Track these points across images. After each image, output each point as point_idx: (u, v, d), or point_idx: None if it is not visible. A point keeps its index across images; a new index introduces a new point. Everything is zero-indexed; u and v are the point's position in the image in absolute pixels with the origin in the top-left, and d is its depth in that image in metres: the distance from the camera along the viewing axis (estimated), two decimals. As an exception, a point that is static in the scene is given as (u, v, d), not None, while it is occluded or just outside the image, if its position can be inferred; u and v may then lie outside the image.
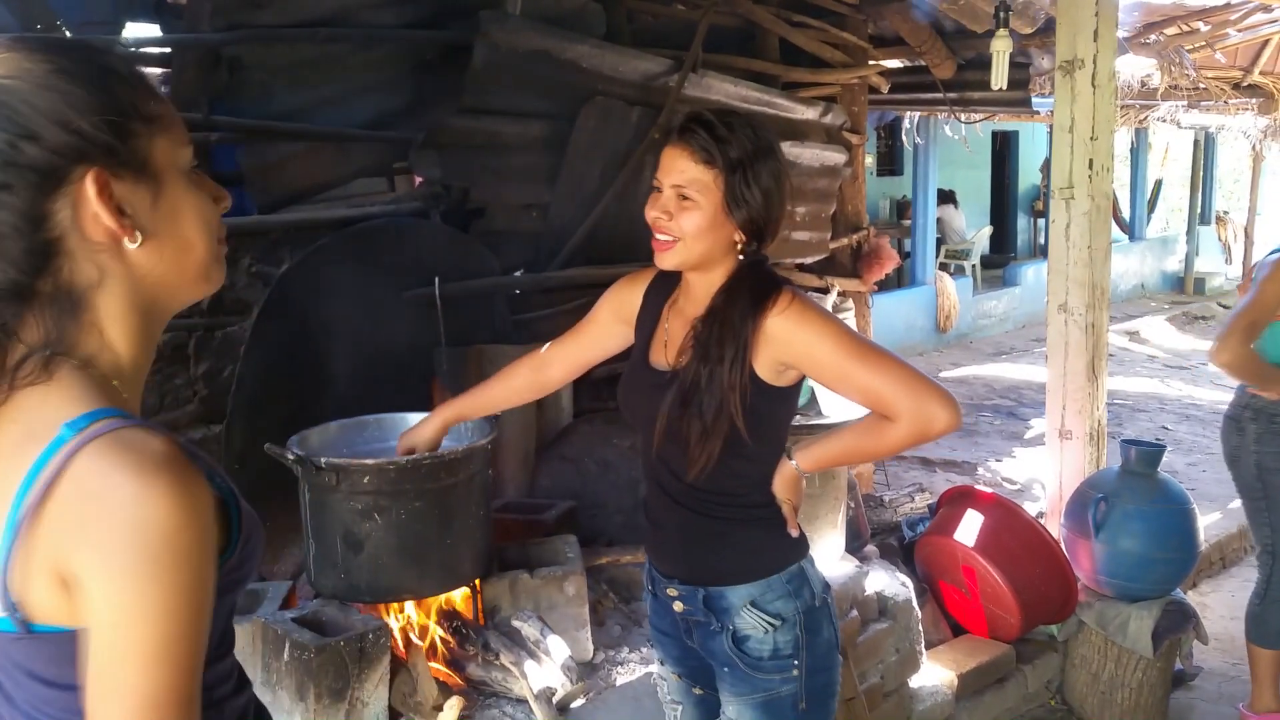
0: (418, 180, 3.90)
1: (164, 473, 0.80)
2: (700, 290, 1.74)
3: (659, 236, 1.70)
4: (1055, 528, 3.71)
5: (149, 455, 0.80)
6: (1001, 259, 13.79)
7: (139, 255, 0.88)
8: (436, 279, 3.23)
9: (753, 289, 1.68)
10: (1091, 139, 3.67)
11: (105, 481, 0.79)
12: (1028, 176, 15.25)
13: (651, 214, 1.70)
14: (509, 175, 3.60)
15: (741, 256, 1.72)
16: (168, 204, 0.90)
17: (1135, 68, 6.84)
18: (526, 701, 2.30)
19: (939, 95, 5.71)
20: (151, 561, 0.78)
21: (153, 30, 3.41)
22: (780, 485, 1.77)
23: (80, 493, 0.79)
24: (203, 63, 3.15)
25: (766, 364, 1.67)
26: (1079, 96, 3.67)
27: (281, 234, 3.25)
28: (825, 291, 4.89)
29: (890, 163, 13.74)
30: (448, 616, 2.48)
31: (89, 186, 0.84)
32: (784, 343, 1.65)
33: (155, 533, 0.78)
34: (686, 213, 1.66)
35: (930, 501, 4.40)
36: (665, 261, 1.71)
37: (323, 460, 2.21)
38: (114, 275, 0.87)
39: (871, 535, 3.91)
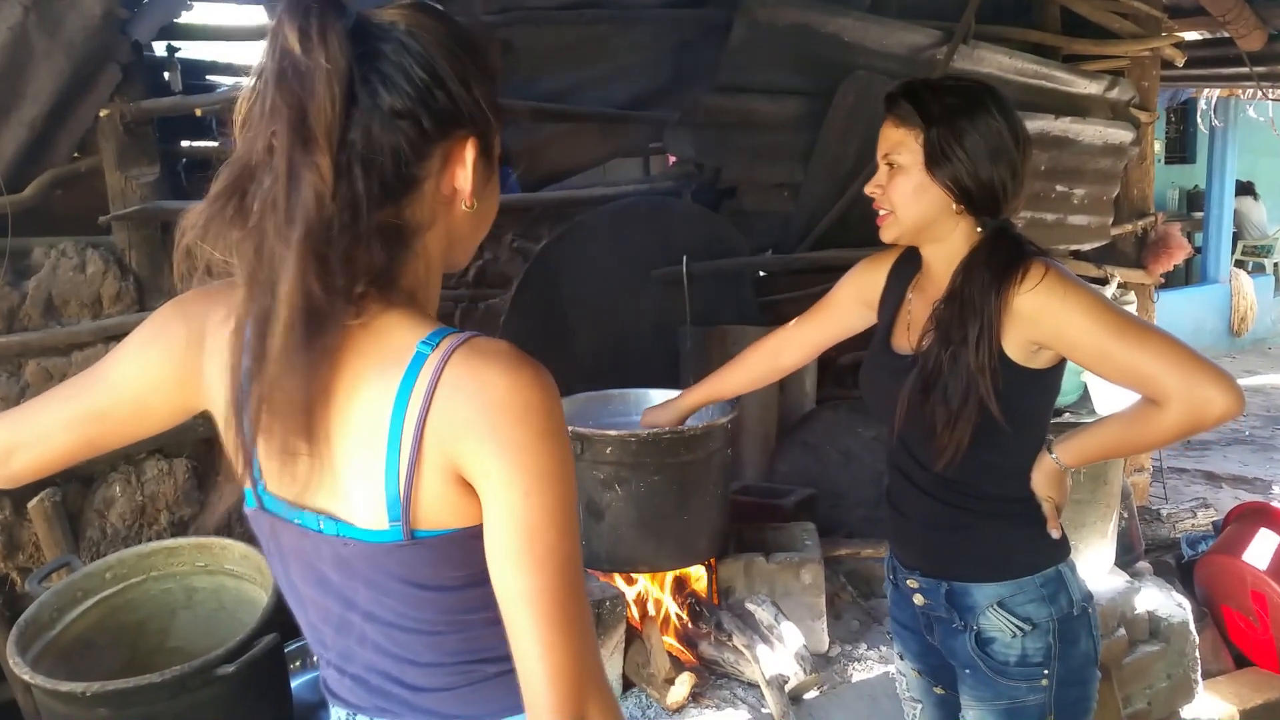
0: (671, 159, 3.92)
1: (528, 364, 0.89)
2: (940, 269, 1.64)
3: (878, 211, 1.66)
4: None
5: (510, 353, 0.89)
6: (1312, 257, 12.24)
7: (462, 217, 0.97)
8: (685, 258, 3.24)
9: (993, 262, 1.55)
10: None
11: (483, 379, 0.87)
12: (1349, 165, 13.44)
13: (868, 189, 1.67)
14: (761, 154, 3.55)
15: (980, 230, 1.60)
16: (490, 185, 1.00)
17: None
18: (758, 686, 2.25)
19: (1244, 70, 5.10)
20: (546, 436, 0.88)
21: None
22: (1040, 481, 1.63)
23: (463, 393, 0.87)
24: (476, 45, 3.29)
25: (1017, 344, 1.54)
26: None
27: (541, 211, 3.36)
28: (1104, 282, 4.50)
29: (1181, 149, 12.51)
30: (682, 593, 2.47)
31: (469, 149, 0.93)
32: (1034, 320, 1.51)
33: (540, 412, 0.88)
34: (893, 180, 1.61)
35: (1215, 519, 3.99)
36: (885, 236, 1.67)
37: (569, 429, 2.25)
38: (440, 225, 0.95)
39: (1145, 551, 3.58)
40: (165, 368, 0.99)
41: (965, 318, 1.54)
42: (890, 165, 1.62)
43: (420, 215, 0.93)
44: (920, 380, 1.58)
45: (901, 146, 1.60)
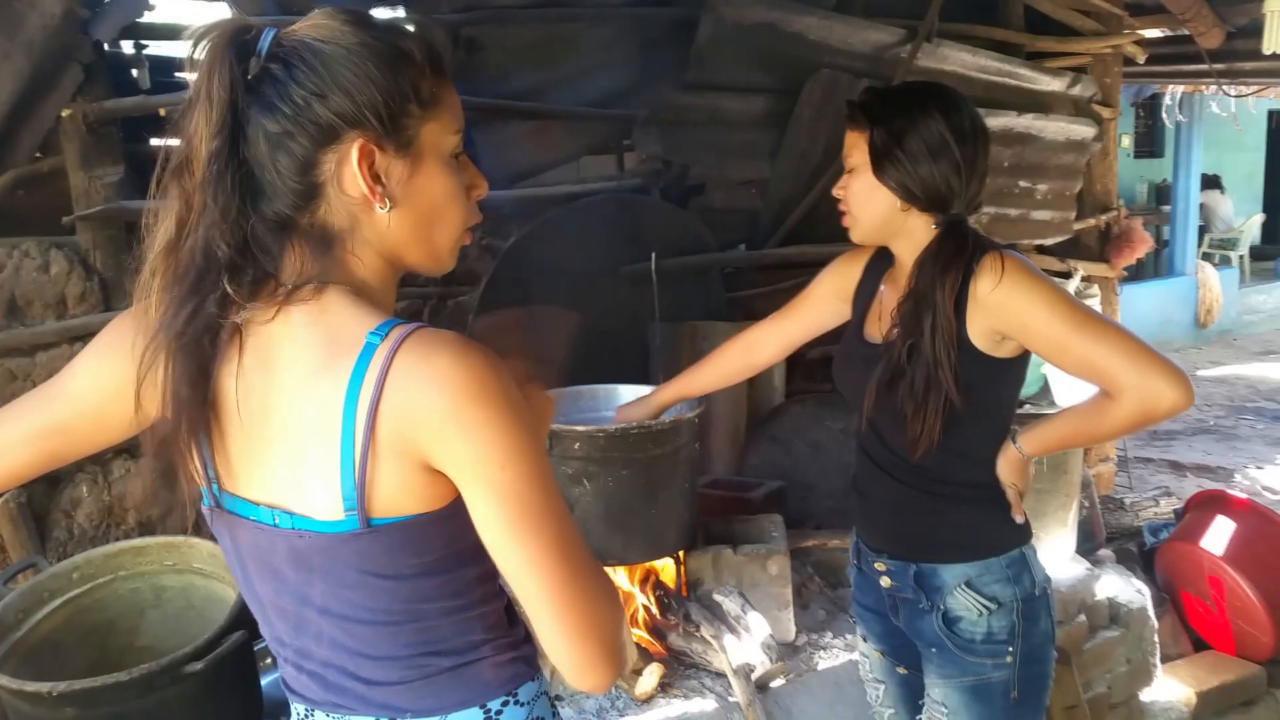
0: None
1: (477, 349, 0.91)
2: (906, 263, 1.69)
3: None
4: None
5: (458, 339, 0.91)
6: (1275, 250, 12.48)
7: (385, 218, 0.96)
8: (653, 254, 3.26)
9: (940, 257, 1.60)
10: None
11: (432, 364, 0.89)
12: (1310, 159, 13.64)
13: (834, 191, 1.72)
14: (729, 151, 3.58)
15: (935, 225, 1.64)
16: (421, 181, 0.98)
17: None
18: (725, 675, 2.28)
19: (1204, 67, 5.18)
20: (504, 411, 0.89)
21: (397, 13, 3.61)
22: (1005, 469, 1.69)
23: (417, 380, 0.89)
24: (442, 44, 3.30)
25: (981, 333, 1.59)
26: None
27: (509, 209, 3.37)
28: (1067, 276, 4.56)
29: (1149, 143, 12.67)
30: (651, 585, 2.50)
31: (354, 151, 0.93)
32: (999, 312, 1.56)
33: (495, 390, 0.89)
34: (849, 182, 1.67)
35: (1177, 507, 4.06)
36: (851, 236, 1.73)
37: (536, 424, 2.27)
38: (364, 226, 0.96)
39: (1109, 539, 3.64)
40: (122, 376, 1.00)
41: (920, 312, 1.59)
42: (850, 169, 1.67)
43: (335, 218, 0.95)
44: (887, 372, 1.63)
45: (854, 149, 1.65)
